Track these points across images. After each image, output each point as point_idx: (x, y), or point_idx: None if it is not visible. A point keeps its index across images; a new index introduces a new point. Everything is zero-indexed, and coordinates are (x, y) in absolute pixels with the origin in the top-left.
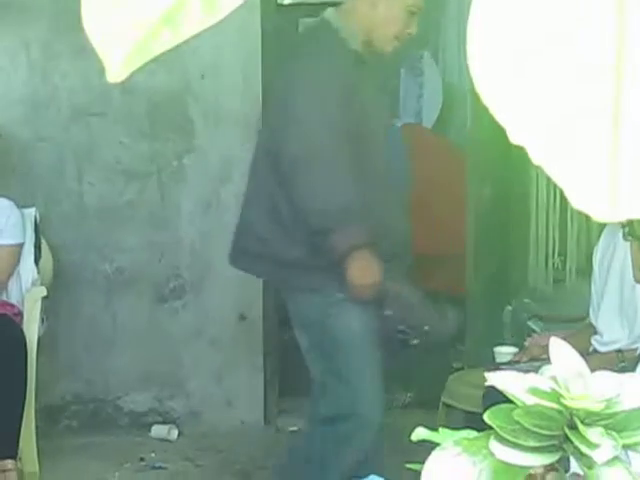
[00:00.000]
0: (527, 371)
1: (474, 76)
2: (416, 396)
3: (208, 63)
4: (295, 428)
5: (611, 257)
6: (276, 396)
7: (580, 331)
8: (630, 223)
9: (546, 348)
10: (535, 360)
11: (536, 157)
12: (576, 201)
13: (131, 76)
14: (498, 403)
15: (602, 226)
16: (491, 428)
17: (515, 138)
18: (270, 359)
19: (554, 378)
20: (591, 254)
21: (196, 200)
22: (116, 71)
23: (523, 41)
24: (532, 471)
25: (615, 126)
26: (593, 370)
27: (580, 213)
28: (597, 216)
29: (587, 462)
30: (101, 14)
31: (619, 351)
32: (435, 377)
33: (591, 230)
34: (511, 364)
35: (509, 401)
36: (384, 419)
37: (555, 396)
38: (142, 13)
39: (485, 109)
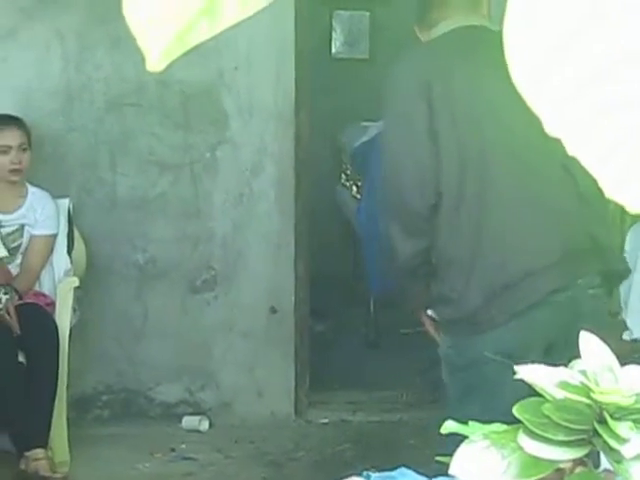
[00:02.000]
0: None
1: (512, 70)
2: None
3: (242, 55)
4: (326, 420)
5: (636, 255)
6: (307, 388)
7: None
8: None
9: None
10: None
11: (572, 148)
12: (611, 191)
13: (165, 68)
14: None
15: (634, 219)
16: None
17: (551, 129)
18: (301, 351)
19: (584, 372)
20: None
21: (228, 192)
22: (155, 61)
23: (561, 32)
24: (561, 465)
25: None
26: None
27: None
28: (631, 207)
29: (616, 456)
30: (142, 4)
31: (635, 340)
32: None
33: (624, 223)
34: None
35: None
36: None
37: (584, 390)
38: (182, 4)
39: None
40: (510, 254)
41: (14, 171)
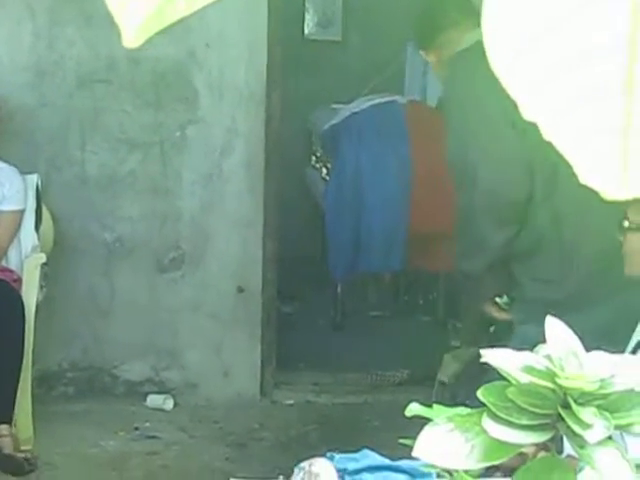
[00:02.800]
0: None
1: (488, 52)
2: (413, 373)
3: (213, 34)
4: (291, 401)
5: None
6: (273, 369)
7: None
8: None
9: None
10: None
11: (547, 133)
12: (586, 178)
13: (137, 45)
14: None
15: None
16: (484, 405)
17: (527, 114)
18: (267, 332)
19: (549, 357)
20: None
21: (198, 171)
22: (132, 37)
23: (537, 18)
24: (524, 449)
25: (627, 105)
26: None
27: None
28: (606, 194)
29: (579, 442)
30: None
31: None
32: (432, 355)
33: None
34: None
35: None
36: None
37: (549, 375)
38: None
39: None
40: (607, 235)
41: None
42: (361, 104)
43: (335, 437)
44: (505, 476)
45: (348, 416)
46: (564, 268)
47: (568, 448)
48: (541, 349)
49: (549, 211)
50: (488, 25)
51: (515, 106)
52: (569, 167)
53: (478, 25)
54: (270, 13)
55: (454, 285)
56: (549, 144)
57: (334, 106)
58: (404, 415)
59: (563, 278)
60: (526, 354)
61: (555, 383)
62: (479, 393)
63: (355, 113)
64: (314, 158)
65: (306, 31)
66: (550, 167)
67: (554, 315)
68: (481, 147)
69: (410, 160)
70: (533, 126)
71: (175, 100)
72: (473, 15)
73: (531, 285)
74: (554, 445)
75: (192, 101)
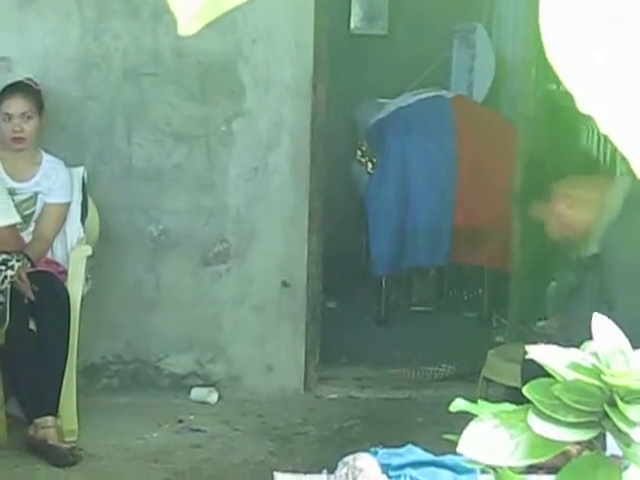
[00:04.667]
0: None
1: (547, 44)
2: (457, 369)
3: (260, 28)
4: (334, 396)
5: None
6: (316, 363)
7: None
8: None
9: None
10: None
11: (604, 126)
12: None
13: (183, 38)
14: (536, 377)
15: None
16: (530, 402)
17: (583, 107)
18: (312, 327)
19: (595, 354)
20: None
21: (243, 165)
22: (188, 24)
23: (597, 10)
24: (568, 448)
25: None
26: None
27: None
28: None
29: (625, 440)
30: None
31: None
32: (477, 351)
33: None
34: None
35: (548, 375)
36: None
37: (596, 372)
38: None
39: (537, 85)
40: None
41: (16, 139)
42: (407, 99)
43: (378, 432)
44: (549, 475)
45: (391, 411)
46: None
47: (611, 448)
48: (588, 346)
49: None
50: (546, 19)
51: None
52: None
53: None
54: (316, 8)
55: (499, 281)
56: None
57: (380, 100)
58: (448, 411)
59: None
60: (572, 351)
61: (601, 380)
62: (525, 390)
63: (401, 108)
64: (359, 152)
65: (352, 25)
66: None
67: None
68: None
69: (456, 155)
70: None
71: (221, 94)
72: None
73: None
74: (599, 443)
75: (238, 95)
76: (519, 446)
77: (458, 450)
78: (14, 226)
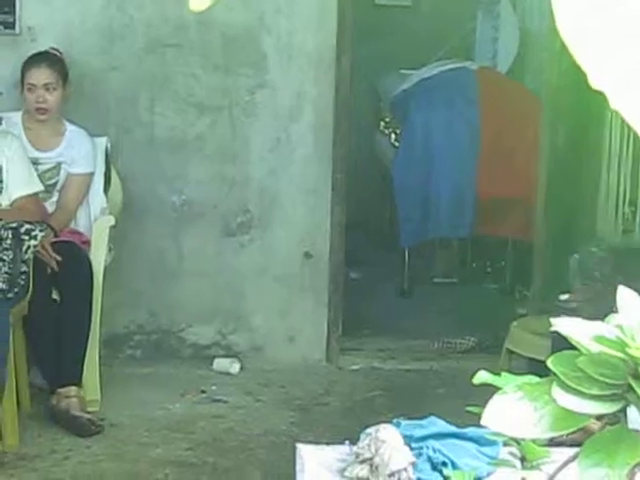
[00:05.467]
0: (577, 311)
1: (558, 20)
2: (479, 341)
3: None
4: (356, 367)
5: None
6: (339, 334)
7: None
8: None
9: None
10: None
11: (615, 102)
12: None
13: (206, 9)
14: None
15: None
16: (554, 374)
17: (595, 82)
18: (334, 298)
19: (620, 327)
20: None
21: (266, 136)
22: (198, 0)
23: None
24: (591, 423)
25: None
26: None
27: None
28: None
29: None
30: None
31: None
32: (499, 323)
33: None
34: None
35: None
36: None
37: (620, 345)
38: None
39: (561, 56)
40: None
41: (39, 110)
42: (431, 70)
43: (400, 403)
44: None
45: (413, 383)
46: None
47: (633, 422)
48: (612, 319)
49: None
50: None
51: None
52: None
53: None
54: None
55: (522, 253)
56: None
57: (403, 72)
58: (470, 382)
59: None
60: (597, 323)
61: (626, 353)
62: (549, 362)
63: (425, 79)
64: (383, 124)
65: None
66: None
67: None
68: None
69: (480, 126)
70: None
71: (244, 64)
72: None
73: None
74: (623, 417)
75: (261, 66)
76: (543, 418)
77: (482, 422)
78: (36, 195)
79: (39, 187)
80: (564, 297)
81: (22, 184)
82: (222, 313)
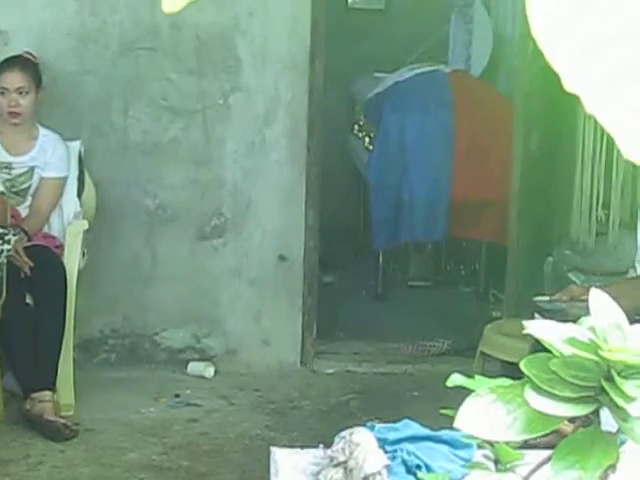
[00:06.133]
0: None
1: (532, 22)
2: (454, 344)
3: (257, 1)
4: (331, 370)
5: None
6: (313, 338)
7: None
8: None
9: (587, 290)
10: (575, 300)
11: (589, 105)
12: (627, 151)
13: (180, 12)
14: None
15: None
16: (527, 377)
17: (569, 86)
18: (308, 301)
19: (593, 329)
20: (636, 208)
21: (240, 139)
22: (172, 2)
23: None
24: (564, 426)
25: None
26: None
27: (626, 165)
28: None
29: (622, 415)
30: None
31: None
32: (474, 326)
33: (636, 183)
34: (551, 302)
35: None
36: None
37: (593, 347)
38: None
39: (534, 60)
40: None
41: (12, 114)
42: (405, 73)
43: (375, 406)
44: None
45: (388, 386)
46: None
47: (605, 424)
48: (585, 321)
49: None
50: None
51: None
52: None
53: None
54: None
55: (496, 256)
56: None
57: (377, 75)
58: (445, 385)
59: None
60: (569, 326)
61: (599, 355)
62: (521, 365)
63: (399, 82)
64: (356, 127)
65: (349, 0)
66: None
67: None
68: None
69: (454, 129)
70: None
71: (218, 68)
72: None
73: None
74: (596, 419)
75: (235, 69)
76: (516, 421)
77: (455, 425)
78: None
79: None
80: (537, 300)
81: None
82: (196, 317)
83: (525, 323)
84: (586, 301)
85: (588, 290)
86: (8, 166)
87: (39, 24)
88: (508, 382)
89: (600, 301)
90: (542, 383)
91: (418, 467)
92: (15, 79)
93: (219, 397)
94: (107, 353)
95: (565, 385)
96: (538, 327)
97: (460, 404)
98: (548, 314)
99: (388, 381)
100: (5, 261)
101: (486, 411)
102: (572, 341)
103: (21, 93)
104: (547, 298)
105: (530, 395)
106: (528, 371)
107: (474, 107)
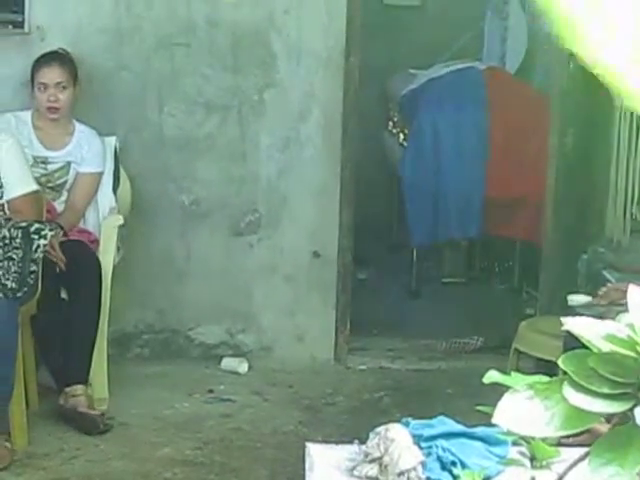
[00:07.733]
0: (604, 315)
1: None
2: (488, 341)
3: None
4: (364, 367)
5: None
6: (347, 334)
7: None
8: None
9: (625, 293)
10: (614, 305)
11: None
12: None
13: (216, 8)
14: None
15: None
16: (564, 374)
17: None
18: (342, 297)
19: (631, 326)
20: None
21: (275, 135)
22: None
23: None
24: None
25: None
26: None
27: None
28: None
29: None
30: None
31: None
32: (507, 323)
33: None
34: (589, 307)
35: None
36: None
37: (631, 344)
38: None
39: (570, 56)
40: None
41: (50, 109)
42: (440, 70)
43: (408, 403)
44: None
45: (421, 382)
46: None
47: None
48: (623, 317)
49: None
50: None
51: None
52: None
53: None
54: None
55: (530, 253)
56: None
57: (412, 72)
58: (478, 382)
59: None
60: (608, 323)
61: (637, 352)
62: (560, 361)
63: (433, 79)
64: (391, 124)
65: None
66: None
67: None
68: None
69: (488, 126)
70: None
71: (253, 64)
72: None
73: None
74: (633, 416)
75: (270, 65)
76: (554, 417)
77: (493, 421)
78: (33, 194)
79: (32, 187)
80: (571, 297)
81: (16, 185)
82: (230, 312)
83: (563, 320)
84: (625, 305)
85: (626, 294)
86: (44, 161)
87: (75, 20)
88: (545, 379)
89: (638, 298)
90: (580, 379)
91: (453, 463)
92: (54, 74)
93: (253, 393)
94: (141, 348)
95: (603, 382)
96: (576, 324)
97: (494, 401)
98: None
99: (421, 378)
100: (41, 256)
101: (524, 407)
102: (610, 338)
103: (60, 88)
104: (582, 297)
105: (568, 391)
106: (566, 368)
107: (508, 104)
